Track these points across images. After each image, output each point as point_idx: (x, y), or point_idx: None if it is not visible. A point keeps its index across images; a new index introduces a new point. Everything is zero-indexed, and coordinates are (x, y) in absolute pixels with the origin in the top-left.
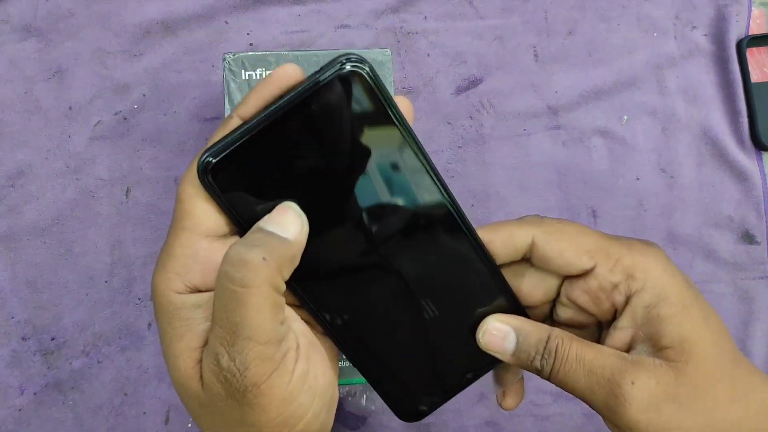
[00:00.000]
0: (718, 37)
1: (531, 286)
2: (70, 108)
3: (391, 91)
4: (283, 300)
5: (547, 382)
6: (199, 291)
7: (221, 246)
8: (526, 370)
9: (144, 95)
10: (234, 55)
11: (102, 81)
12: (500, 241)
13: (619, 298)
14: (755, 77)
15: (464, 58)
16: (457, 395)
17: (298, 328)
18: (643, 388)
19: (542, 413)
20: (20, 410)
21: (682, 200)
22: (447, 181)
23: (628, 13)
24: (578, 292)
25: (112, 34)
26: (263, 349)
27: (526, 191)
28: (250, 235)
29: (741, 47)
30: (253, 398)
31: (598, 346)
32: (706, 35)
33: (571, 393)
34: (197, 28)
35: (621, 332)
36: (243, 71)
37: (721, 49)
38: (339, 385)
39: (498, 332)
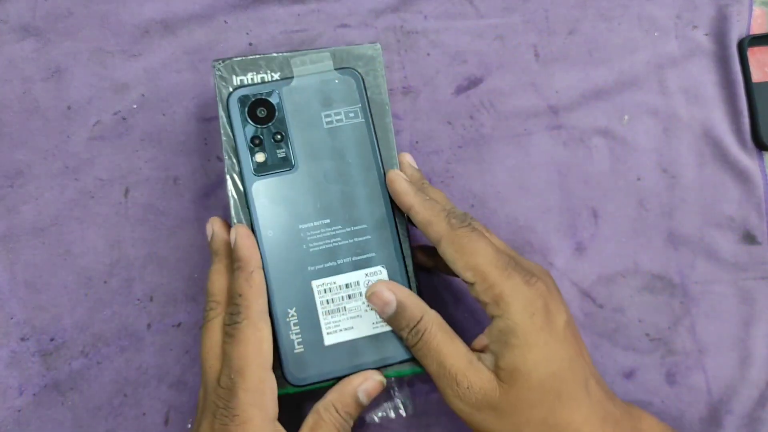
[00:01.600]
0: (719, 36)
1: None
2: (69, 108)
3: (383, 84)
4: None
5: None
6: None
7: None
8: (397, 331)
9: (143, 95)
10: (223, 62)
11: (101, 81)
12: (419, 218)
13: (489, 311)
14: (756, 77)
15: (464, 57)
16: None
17: None
18: (473, 393)
19: None
20: (19, 411)
21: (683, 200)
22: (447, 181)
23: (629, 12)
24: (468, 284)
25: (111, 33)
26: None
27: (526, 191)
28: (345, 394)
29: (742, 47)
30: None
31: (457, 342)
32: (707, 35)
33: (425, 369)
34: (196, 28)
35: (481, 337)
36: (234, 77)
37: (722, 49)
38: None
39: (384, 298)
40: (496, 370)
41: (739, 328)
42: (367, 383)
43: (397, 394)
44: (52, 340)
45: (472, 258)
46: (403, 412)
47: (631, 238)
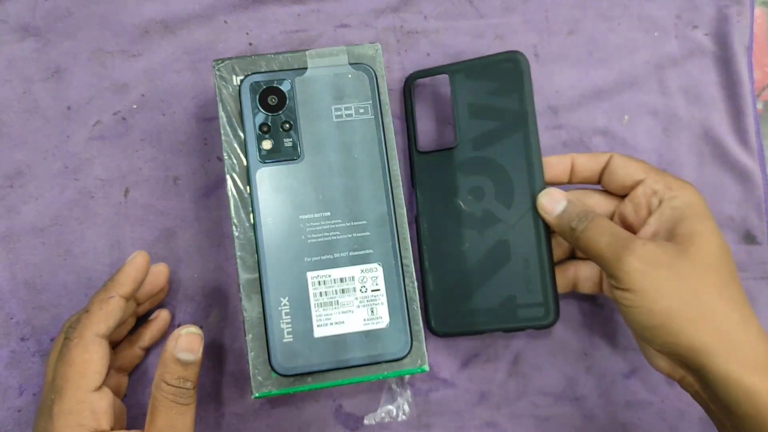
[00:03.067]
0: (719, 36)
1: (595, 204)
2: (69, 108)
3: (383, 84)
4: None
5: (550, 382)
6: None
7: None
8: (561, 230)
9: (143, 95)
10: (223, 61)
11: (101, 81)
12: (586, 157)
13: (654, 202)
14: (756, 77)
15: (464, 57)
16: (458, 395)
17: None
18: (650, 249)
19: (543, 414)
20: (19, 411)
21: None
22: None
23: (629, 12)
24: (627, 203)
25: (111, 33)
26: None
27: None
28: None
29: (408, 83)
30: None
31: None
32: (707, 35)
33: (588, 251)
34: (196, 28)
35: (646, 228)
36: (234, 76)
37: (723, 49)
38: (340, 385)
39: (553, 197)
40: (673, 239)
41: None
42: (181, 341)
43: (398, 395)
44: (52, 340)
45: (642, 163)
46: (404, 415)
47: None
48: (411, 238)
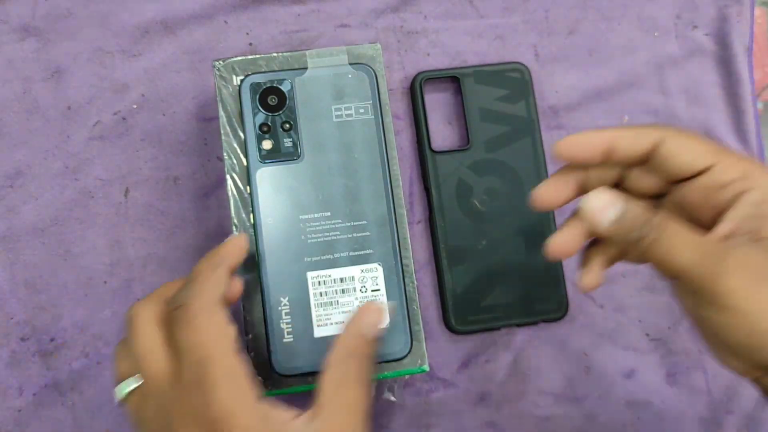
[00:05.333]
0: (719, 36)
1: (640, 184)
2: (69, 108)
3: (383, 84)
4: None
5: (550, 382)
6: None
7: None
8: (622, 240)
9: (143, 95)
10: (224, 61)
11: (101, 81)
12: (632, 134)
13: (728, 196)
14: (757, 76)
15: (464, 57)
16: (458, 395)
17: None
18: (747, 261)
19: (543, 414)
20: (19, 411)
21: None
22: None
23: (630, 12)
24: (689, 191)
25: (111, 33)
26: None
27: None
28: None
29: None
30: None
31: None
32: (707, 35)
33: (668, 265)
34: (196, 28)
35: (722, 225)
36: (234, 77)
37: (723, 49)
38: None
39: (605, 200)
40: (761, 241)
41: None
42: (369, 316)
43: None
44: (52, 340)
45: (703, 144)
46: (393, 397)
47: None
48: (411, 238)
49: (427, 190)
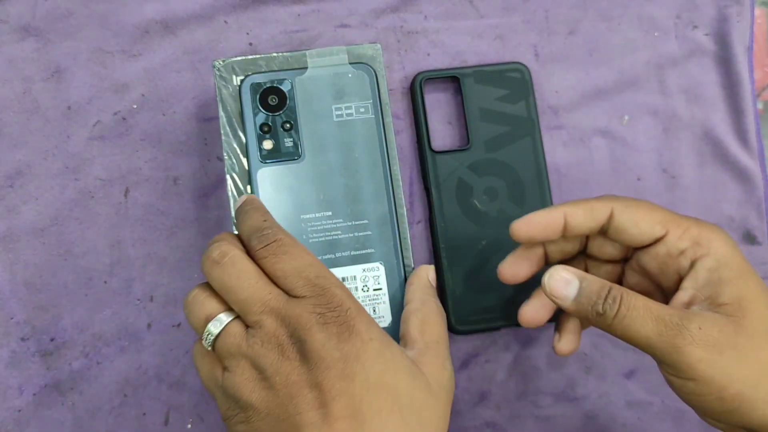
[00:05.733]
0: (719, 36)
1: (603, 251)
2: (69, 108)
3: (383, 84)
4: None
5: (550, 382)
6: None
7: None
8: (584, 316)
9: (143, 95)
10: (224, 61)
11: (101, 81)
12: (582, 212)
13: (684, 263)
14: (757, 76)
15: (464, 57)
16: (458, 395)
17: None
18: (708, 332)
19: (543, 414)
20: (19, 411)
21: (683, 200)
22: None
23: (629, 12)
24: (648, 259)
25: (111, 33)
26: None
27: None
28: None
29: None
30: None
31: (656, 300)
32: (707, 35)
33: (631, 339)
34: (196, 28)
35: (682, 293)
36: (234, 77)
37: (723, 49)
38: None
39: (562, 279)
40: (719, 308)
41: None
42: (430, 271)
43: None
44: (52, 340)
45: (654, 213)
46: None
47: None
48: (411, 238)
49: (427, 190)
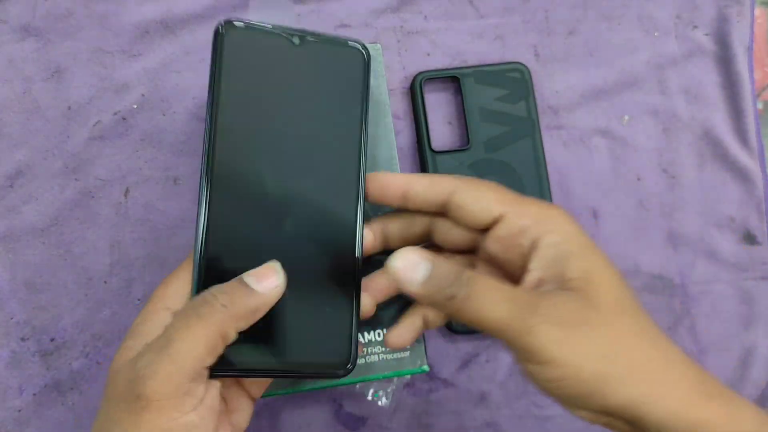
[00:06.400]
0: (719, 36)
1: (449, 238)
2: (69, 108)
3: (383, 84)
4: (221, 348)
5: None
6: None
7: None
8: (432, 301)
9: (143, 95)
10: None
11: (101, 81)
12: (425, 182)
13: (526, 243)
14: (757, 76)
15: (465, 57)
16: (458, 395)
17: (214, 404)
18: (559, 310)
19: (543, 414)
20: (19, 411)
21: (683, 200)
22: None
23: (630, 12)
24: (492, 242)
25: (111, 33)
26: (176, 374)
27: None
28: (228, 282)
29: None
30: (139, 408)
31: (507, 282)
32: (707, 35)
33: (482, 323)
34: (197, 28)
35: (530, 275)
36: None
37: (723, 49)
38: (340, 385)
39: (410, 261)
40: (567, 283)
41: (739, 328)
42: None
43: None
44: (52, 340)
45: (494, 193)
46: (381, 402)
47: (631, 238)
48: None
49: None
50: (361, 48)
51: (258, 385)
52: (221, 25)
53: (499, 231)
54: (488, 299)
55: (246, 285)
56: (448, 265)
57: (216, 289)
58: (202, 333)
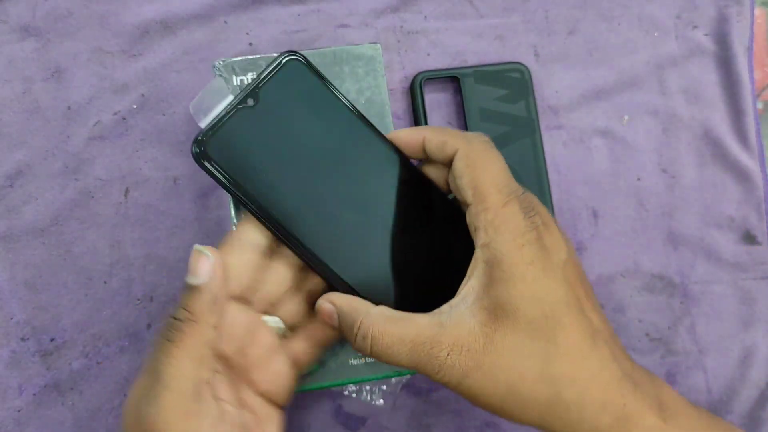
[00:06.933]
0: (719, 36)
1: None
2: (69, 108)
3: (383, 84)
4: (209, 354)
5: None
6: None
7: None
8: (351, 341)
9: (143, 95)
10: (224, 61)
11: (101, 81)
12: (437, 138)
13: (477, 240)
14: (757, 76)
15: (464, 57)
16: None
17: (234, 416)
18: (455, 359)
19: None
20: (19, 411)
21: (683, 200)
22: None
23: (629, 12)
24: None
25: (111, 33)
26: (177, 399)
27: None
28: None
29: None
30: None
31: (415, 319)
32: (707, 35)
33: (392, 364)
34: (196, 28)
35: (465, 289)
36: (234, 77)
37: (723, 49)
38: (340, 385)
39: (326, 309)
40: (477, 311)
41: (739, 328)
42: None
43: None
44: (52, 340)
45: (481, 174)
46: (375, 401)
47: (631, 238)
48: None
49: None
50: (292, 56)
51: (283, 392)
52: (193, 148)
53: (467, 216)
54: (391, 347)
55: (191, 286)
56: (349, 317)
57: (173, 311)
58: (181, 354)
